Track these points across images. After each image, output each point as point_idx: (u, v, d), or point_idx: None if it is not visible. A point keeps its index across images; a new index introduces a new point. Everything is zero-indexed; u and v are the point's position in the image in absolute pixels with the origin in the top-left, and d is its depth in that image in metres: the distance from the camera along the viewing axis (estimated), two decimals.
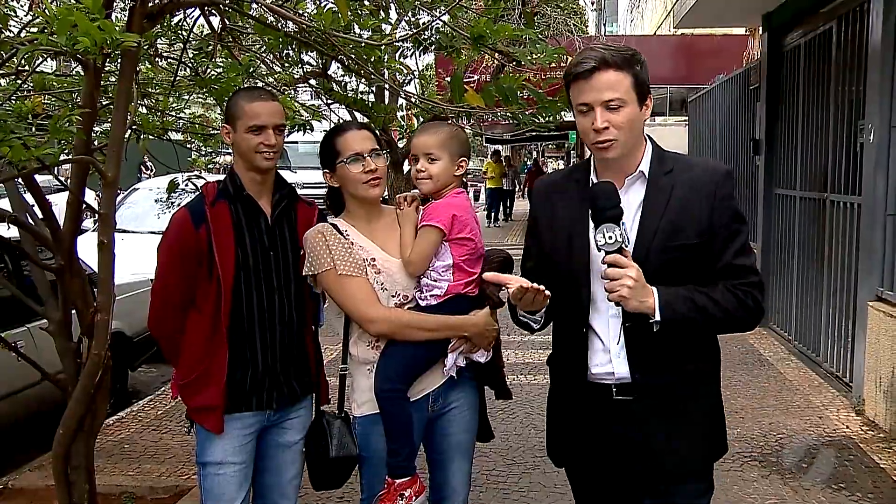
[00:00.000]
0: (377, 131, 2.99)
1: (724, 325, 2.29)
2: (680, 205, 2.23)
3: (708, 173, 2.29)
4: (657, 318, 2.16)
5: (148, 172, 17.43)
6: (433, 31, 3.59)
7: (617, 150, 2.21)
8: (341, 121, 5.82)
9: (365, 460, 2.72)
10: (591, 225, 2.19)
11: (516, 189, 25.09)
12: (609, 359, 2.29)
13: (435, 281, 2.67)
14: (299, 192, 2.98)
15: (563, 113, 4.01)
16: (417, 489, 2.68)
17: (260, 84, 4.35)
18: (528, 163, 31.70)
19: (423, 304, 2.68)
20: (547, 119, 3.90)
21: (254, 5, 3.89)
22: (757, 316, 2.30)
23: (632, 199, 2.26)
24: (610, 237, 2.10)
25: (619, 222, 2.11)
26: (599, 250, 2.13)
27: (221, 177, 2.89)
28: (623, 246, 2.11)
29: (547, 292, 2.19)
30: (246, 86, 3.98)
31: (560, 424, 2.48)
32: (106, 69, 3.43)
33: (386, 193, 3.21)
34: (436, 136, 2.69)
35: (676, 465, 2.31)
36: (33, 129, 3.39)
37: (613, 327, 2.28)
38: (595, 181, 2.29)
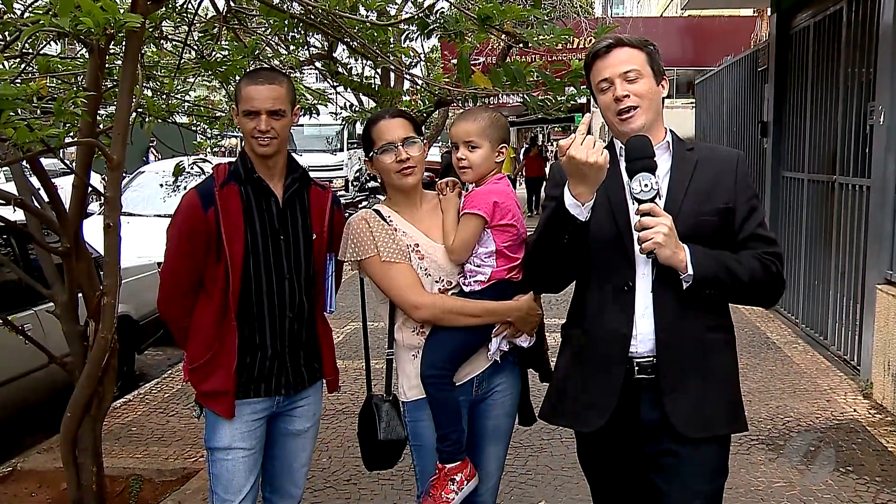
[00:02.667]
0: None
1: (751, 290, 2.33)
2: (706, 174, 2.33)
3: (728, 153, 2.44)
4: (689, 272, 2.20)
5: (157, 155, 17.49)
6: (438, 15, 3.56)
7: (639, 119, 2.28)
8: (347, 104, 5.82)
9: (416, 447, 2.72)
10: (627, 180, 2.26)
11: (516, 173, 23.83)
12: (635, 319, 2.31)
13: (478, 267, 2.66)
14: None
15: (576, 98, 3.99)
16: (469, 473, 2.66)
17: (263, 67, 4.32)
18: (526, 145, 30.29)
19: (466, 289, 2.67)
20: (557, 101, 3.88)
21: None
22: (780, 285, 2.35)
23: (659, 168, 2.29)
24: (646, 185, 2.16)
25: (653, 172, 2.18)
26: (634, 200, 2.20)
27: (231, 159, 2.87)
28: (656, 199, 2.18)
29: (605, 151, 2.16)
30: (254, 67, 3.96)
31: (572, 388, 2.45)
32: (111, 52, 3.42)
33: None
34: (475, 123, 2.67)
35: (696, 436, 2.31)
36: (38, 111, 3.38)
37: (641, 288, 2.31)
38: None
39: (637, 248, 2.23)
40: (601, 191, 2.22)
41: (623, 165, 2.31)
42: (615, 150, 2.39)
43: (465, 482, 2.65)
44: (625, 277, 2.32)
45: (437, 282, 2.66)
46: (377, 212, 2.71)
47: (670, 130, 2.41)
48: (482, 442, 2.80)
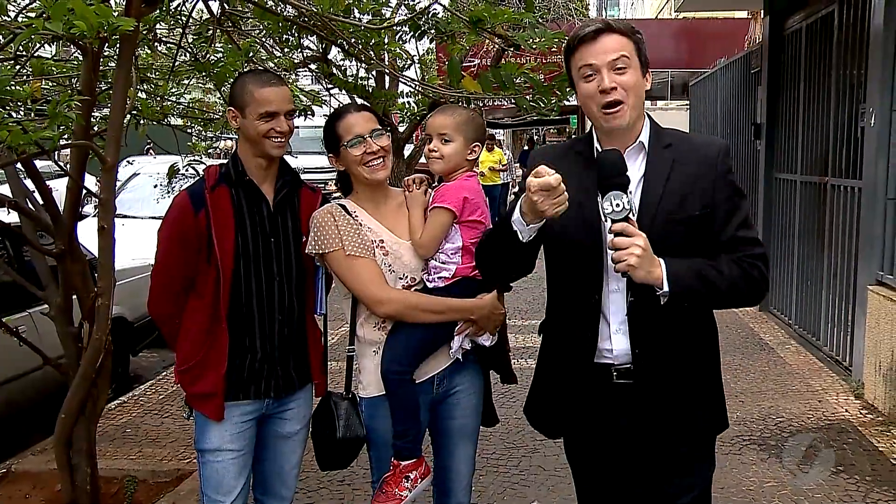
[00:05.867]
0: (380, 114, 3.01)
1: (730, 297, 2.27)
2: (682, 177, 2.23)
3: (709, 147, 2.30)
4: (665, 289, 2.12)
5: (155, 157, 17.46)
6: (430, 17, 3.57)
7: (626, 115, 2.19)
8: (342, 105, 5.84)
9: (372, 442, 2.74)
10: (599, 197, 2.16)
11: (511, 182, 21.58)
12: (609, 334, 2.27)
13: (443, 263, 2.68)
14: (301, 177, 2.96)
15: (566, 99, 4.00)
16: (423, 471, 2.69)
17: (261, 68, 4.33)
18: (526, 148, 29.39)
19: (430, 285, 2.69)
20: (549, 104, 3.89)
21: None
22: (762, 288, 2.27)
23: (632, 170, 2.22)
24: (617, 205, 2.06)
25: (626, 190, 2.08)
26: (606, 219, 2.09)
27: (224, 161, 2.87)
28: (630, 215, 2.08)
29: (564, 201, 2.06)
30: (250, 69, 3.96)
31: (552, 398, 2.45)
32: (105, 54, 3.42)
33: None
34: (451, 118, 2.70)
35: (672, 443, 2.31)
36: (32, 113, 3.39)
37: (615, 301, 2.26)
38: (601, 149, 2.26)
39: (609, 262, 2.17)
40: (571, 196, 2.11)
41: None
42: (592, 151, 2.31)
43: (420, 480, 2.68)
44: (592, 290, 2.26)
45: (400, 278, 2.67)
46: (343, 206, 2.71)
47: (649, 121, 2.31)
48: (450, 442, 2.83)
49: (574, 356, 2.33)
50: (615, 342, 2.27)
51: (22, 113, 3.32)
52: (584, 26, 2.23)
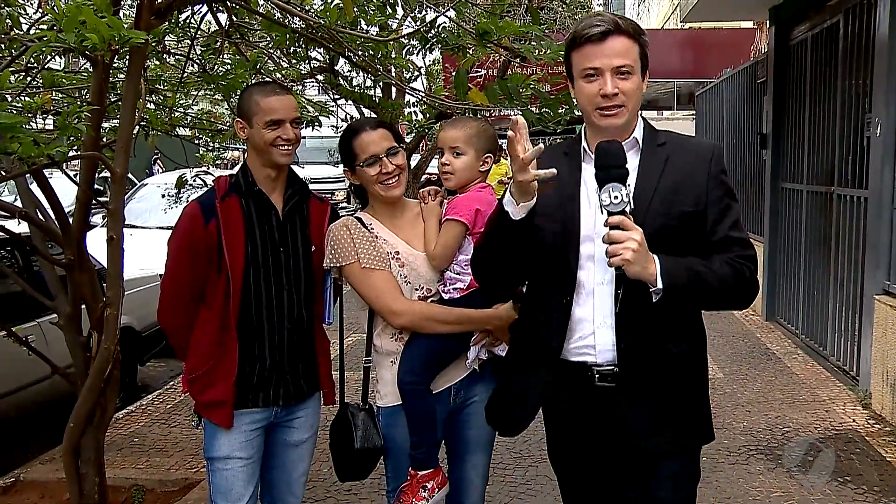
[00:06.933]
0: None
1: (722, 296, 2.23)
2: (676, 173, 2.22)
3: (702, 148, 2.30)
4: (659, 285, 2.09)
5: (162, 167, 17.60)
6: (439, 29, 3.60)
7: (625, 116, 2.18)
8: (349, 117, 5.86)
9: (389, 451, 2.75)
10: (591, 186, 2.16)
11: None
12: (592, 329, 2.24)
13: (458, 274, 2.69)
14: None
15: (572, 113, 4.02)
16: (440, 481, 2.70)
17: (268, 80, 4.36)
18: None
19: (445, 297, 2.70)
20: (555, 116, 3.90)
21: (261, 1, 3.91)
22: (753, 289, 2.25)
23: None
24: (616, 197, 2.03)
25: (625, 182, 2.06)
26: (603, 211, 2.06)
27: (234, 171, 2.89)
28: (626, 208, 2.05)
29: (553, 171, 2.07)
30: (256, 81, 3.99)
31: (525, 399, 2.41)
32: (114, 66, 3.45)
33: None
34: (462, 130, 2.71)
35: (656, 448, 2.27)
36: (45, 123, 3.42)
37: (600, 295, 2.23)
38: (588, 149, 2.26)
39: (603, 255, 2.14)
40: (554, 193, 2.15)
41: (586, 170, 2.22)
42: (579, 150, 2.30)
43: (437, 489, 2.68)
44: (565, 290, 2.24)
45: (416, 289, 2.69)
46: (358, 219, 2.73)
47: (643, 121, 2.30)
48: (464, 452, 2.83)
49: (534, 355, 2.33)
50: (599, 337, 2.24)
51: (33, 125, 3.35)
52: (591, 24, 2.16)
